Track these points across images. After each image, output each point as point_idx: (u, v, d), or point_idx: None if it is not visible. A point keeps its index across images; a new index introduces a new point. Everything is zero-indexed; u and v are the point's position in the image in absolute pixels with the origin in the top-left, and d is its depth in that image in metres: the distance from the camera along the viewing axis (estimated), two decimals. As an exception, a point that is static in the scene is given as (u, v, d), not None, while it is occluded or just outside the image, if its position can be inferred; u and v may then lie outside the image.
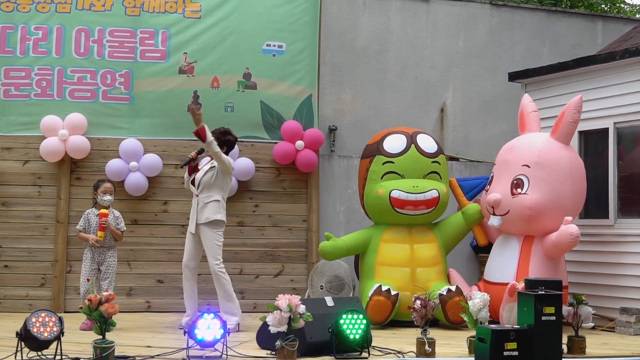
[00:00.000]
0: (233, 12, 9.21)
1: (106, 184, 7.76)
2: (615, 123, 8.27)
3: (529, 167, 7.77)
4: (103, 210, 7.55)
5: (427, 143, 8.36)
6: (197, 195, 7.37)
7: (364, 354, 5.94)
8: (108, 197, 7.64)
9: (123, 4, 9.02)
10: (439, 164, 8.35)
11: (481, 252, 9.27)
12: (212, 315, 5.75)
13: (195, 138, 7.24)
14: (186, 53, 9.08)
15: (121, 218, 7.81)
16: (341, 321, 5.93)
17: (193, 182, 7.41)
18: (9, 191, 8.80)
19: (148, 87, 9.02)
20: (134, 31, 9.02)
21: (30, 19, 8.86)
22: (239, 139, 8.87)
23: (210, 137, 7.18)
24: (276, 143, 9.19)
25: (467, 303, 6.39)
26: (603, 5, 15.27)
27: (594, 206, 8.45)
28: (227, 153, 7.49)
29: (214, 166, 7.39)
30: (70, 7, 8.92)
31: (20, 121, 8.84)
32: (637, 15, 15.21)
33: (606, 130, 8.35)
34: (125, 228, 7.84)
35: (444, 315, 7.64)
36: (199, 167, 7.46)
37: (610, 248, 8.20)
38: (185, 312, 7.54)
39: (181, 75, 9.06)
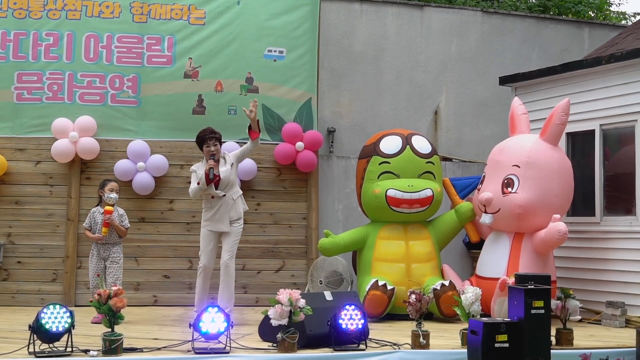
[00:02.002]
0: (236, 19, 9.27)
1: (112, 182, 7.78)
2: (601, 125, 8.33)
3: (519, 167, 7.84)
4: (107, 207, 7.57)
5: (421, 144, 8.42)
6: (224, 195, 7.39)
7: (362, 346, 5.97)
8: (114, 195, 7.64)
9: (131, 11, 9.08)
10: (433, 164, 8.41)
11: (473, 248, 9.28)
12: (216, 309, 5.76)
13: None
14: (191, 58, 9.14)
15: (125, 216, 7.82)
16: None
17: (216, 185, 7.37)
18: (21, 190, 8.89)
19: (154, 91, 9.07)
20: (141, 37, 9.08)
21: (41, 26, 8.92)
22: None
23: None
24: (277, 144, 9.25)
25: (459, 297, 6.43)
26: (590, 13, 15.18)
27: (581, 204, 8.50)
28: (220, 144, 7.56)
29: (233, 163, 7.48)
30: (80, 14, 8.99)
31: (33, 123, 8.91)
32: (623, 22, 15.06)
33: (593, 132, 8.41)
34: (129, 225, 7.86)
35: (437, 308, 7.69)
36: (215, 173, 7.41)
37: (597, 244, 8.27)
38: (193, 306, 7.59)
39: (186, 79, 9.12)
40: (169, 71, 9.15)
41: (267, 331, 6.16)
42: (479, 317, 6.15)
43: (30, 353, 5.46)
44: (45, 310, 5.53)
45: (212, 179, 7.31)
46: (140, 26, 9.13)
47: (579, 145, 8.72)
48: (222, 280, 7.39)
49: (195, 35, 9.23)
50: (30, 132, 8.96)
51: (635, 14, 16.11)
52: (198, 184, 7.36)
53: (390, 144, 8.39)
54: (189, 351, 5.73)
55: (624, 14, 16.33)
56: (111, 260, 7.66)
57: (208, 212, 7.47)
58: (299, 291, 5.94)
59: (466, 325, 6.02)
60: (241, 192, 7.64)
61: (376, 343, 6.21)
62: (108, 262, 7.66)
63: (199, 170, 7.46)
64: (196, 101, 9.18)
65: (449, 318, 7.76)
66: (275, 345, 5.89)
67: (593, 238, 8.36)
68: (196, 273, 7.61)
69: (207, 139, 7.44)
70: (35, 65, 8.94)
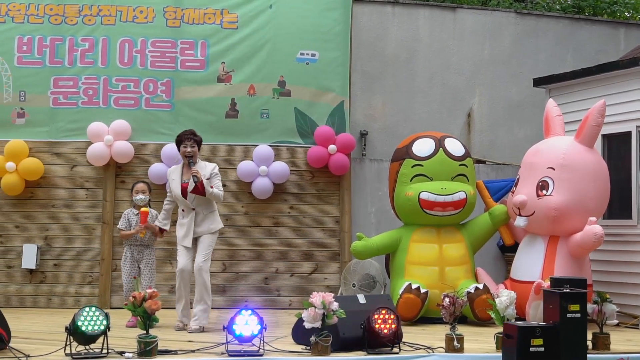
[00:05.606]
0: (268, 22, 9.33)
1: (139, 184, 7.83)
2: (637, 126, 8.20)
3: (553, 169, 7.80)
4: (143, 210, 7.59)
5: (454, 146, 8.40)
6: (193, 209, 7.24)
7: (395, 349, 5.97)
8: (141, 197, 7.70)
9: (164, 15, 9.20)
10: (466, 166, 8.39)
11: (507, 251, 9.25)
12: (249, 311, 5.76)
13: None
14: (224, 62, 9.22)
15: (158, 218, 7.79)
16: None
17: (185, 196, 7.22)
18: (58, 194, 9.04)
19: (188, 95, 9.17)
20: (174, 42, 9.19)
21: (77, 31, 9.07)
22: (274, 144, 9.12)
23: (208, 188, 7.13)
24: (310, 147, 9.28)
25: (494, 300, 6.34)
26: (626, 13, 15.03)
27: (617, 207, 8.38)
28: (199, 149, 7.38)
29: (208, 178, 7.21)
30: (115, 19, 9.13)
31: (69, 128, 9.06)
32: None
33: (629, 133, 8.30)
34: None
35: (472, 312, 7.68)
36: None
37: (634, 247, 8.14)
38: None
39: (219, 83, 9.21)
40: (202, 75, 9.24)
41: (300, 334, 6.15)
42: (513, 320, 6.11)
43: (67, 354, 5.53)
44: (81, 312, 5.60)
45: (195, 186, 7.15)
46: (173, 30, 9.23)
47: (615, 147, 8.60)
48: (196, 286, 7.19)
49: (228, 39, 9.31)
50: (66, 136, 9.11)
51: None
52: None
53: (423, 147, 8.38)
54: (222, 354, 5.75)
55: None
56: (145, 263, 7.72)
57: (178, 226, 7.36)
58: (332, 294, 5.93)
59: (501, 329, 5.97)
60: (215, 210, 7.41)
61: (410, 346, 6.19)
62: (142, 264, 7.72)
63: (172, 174, 7.40)
64: (229, 105, 9.25)
65: (484, 322, 7.69)
66: (308, 348, 5.90)
67: (630, 241, 8.24)
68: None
69: (185, 139, 7.26)
70: (71, 70, 9.09)
